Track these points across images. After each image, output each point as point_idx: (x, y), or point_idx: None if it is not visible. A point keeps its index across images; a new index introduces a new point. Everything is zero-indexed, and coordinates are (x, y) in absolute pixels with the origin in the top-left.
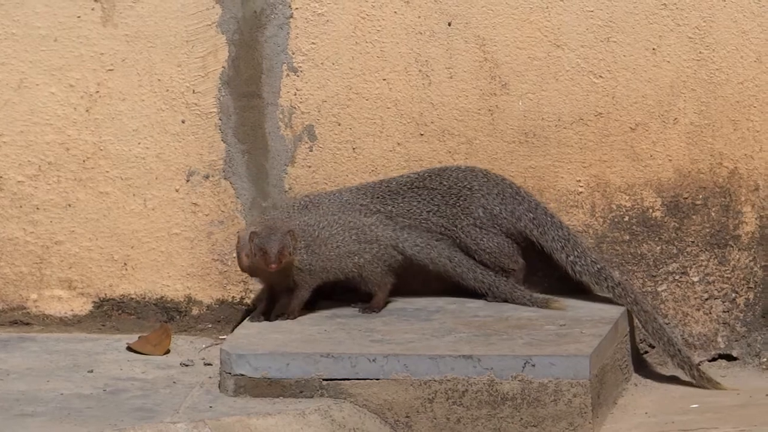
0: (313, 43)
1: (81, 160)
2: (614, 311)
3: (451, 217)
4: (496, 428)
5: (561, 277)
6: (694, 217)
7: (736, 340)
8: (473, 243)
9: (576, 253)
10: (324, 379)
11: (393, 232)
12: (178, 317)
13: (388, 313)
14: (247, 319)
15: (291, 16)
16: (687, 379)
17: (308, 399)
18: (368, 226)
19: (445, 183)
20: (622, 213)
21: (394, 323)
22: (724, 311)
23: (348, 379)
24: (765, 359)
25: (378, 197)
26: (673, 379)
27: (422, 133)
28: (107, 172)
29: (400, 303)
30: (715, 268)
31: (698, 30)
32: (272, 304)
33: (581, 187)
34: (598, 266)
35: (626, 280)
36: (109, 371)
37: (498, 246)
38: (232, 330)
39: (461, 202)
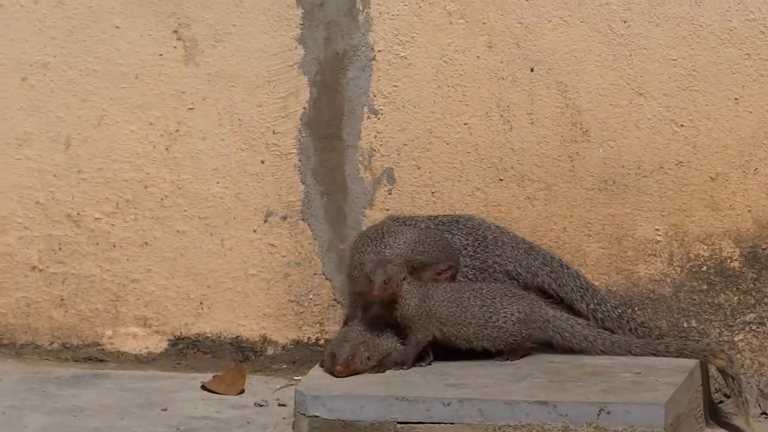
0: (394, 85)
1: (159, 198)
2: (690, 360)
3: (479, 268)
4: None
5: None
6: None
7: None
8: None
9: (595, 301)
10: (398, 422)
11: None
12: (253, 357)
13: (462, 358)
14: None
15: (373, 59)
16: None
17: None
18: None
19: (472, 233)
20: (700, 262)
21: (469, 368)
22: None
23: (422, 423)
24: None
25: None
26: None
27: (502, 178)
28: (185, 210)
29: None
30: None
31: None
32: None
33: (659, 235)
34: (618, 311)
35: (650, 320)
36: (183, 410)
37: None
38: (307, 371)
39: (485, 255)
